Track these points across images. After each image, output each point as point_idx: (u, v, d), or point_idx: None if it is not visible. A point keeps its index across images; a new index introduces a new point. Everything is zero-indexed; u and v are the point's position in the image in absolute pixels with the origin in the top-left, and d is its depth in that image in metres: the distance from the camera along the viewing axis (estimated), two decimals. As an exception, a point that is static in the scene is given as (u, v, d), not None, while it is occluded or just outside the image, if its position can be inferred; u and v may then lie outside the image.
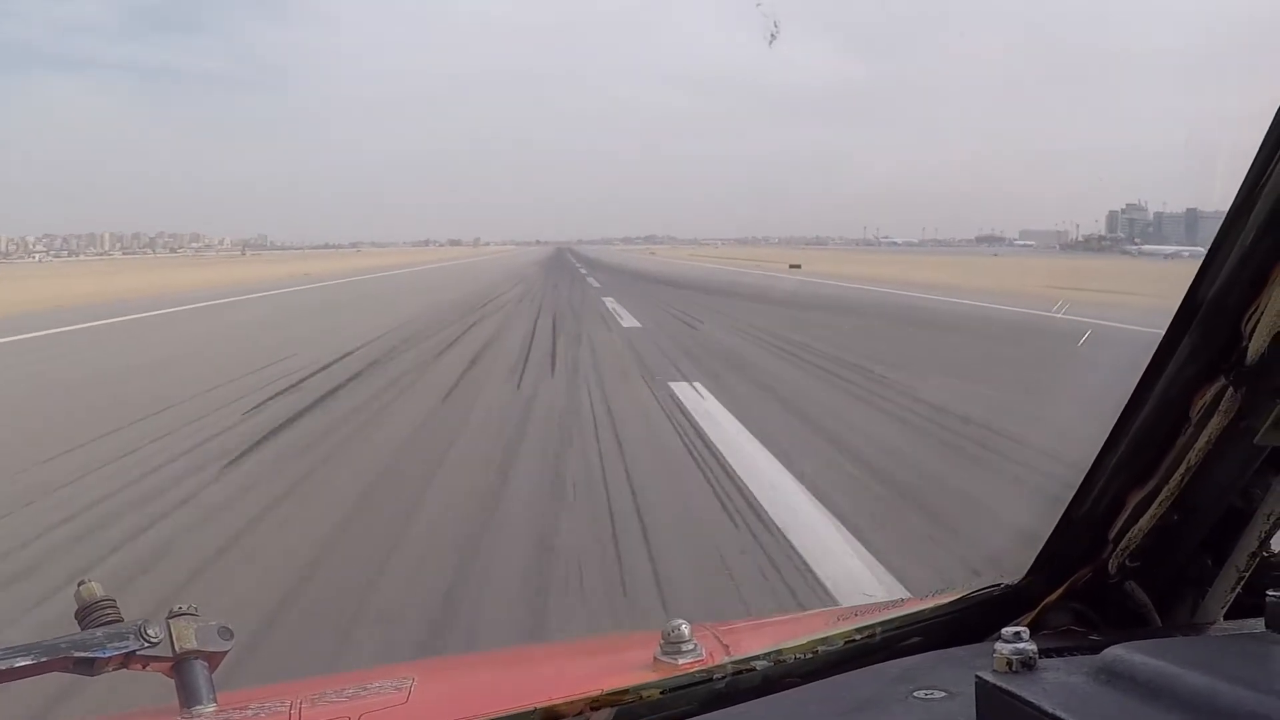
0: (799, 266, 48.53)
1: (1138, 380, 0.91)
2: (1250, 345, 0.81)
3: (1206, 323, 0.84)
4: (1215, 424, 0.86)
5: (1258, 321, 0.80)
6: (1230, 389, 0.84)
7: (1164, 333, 0.87)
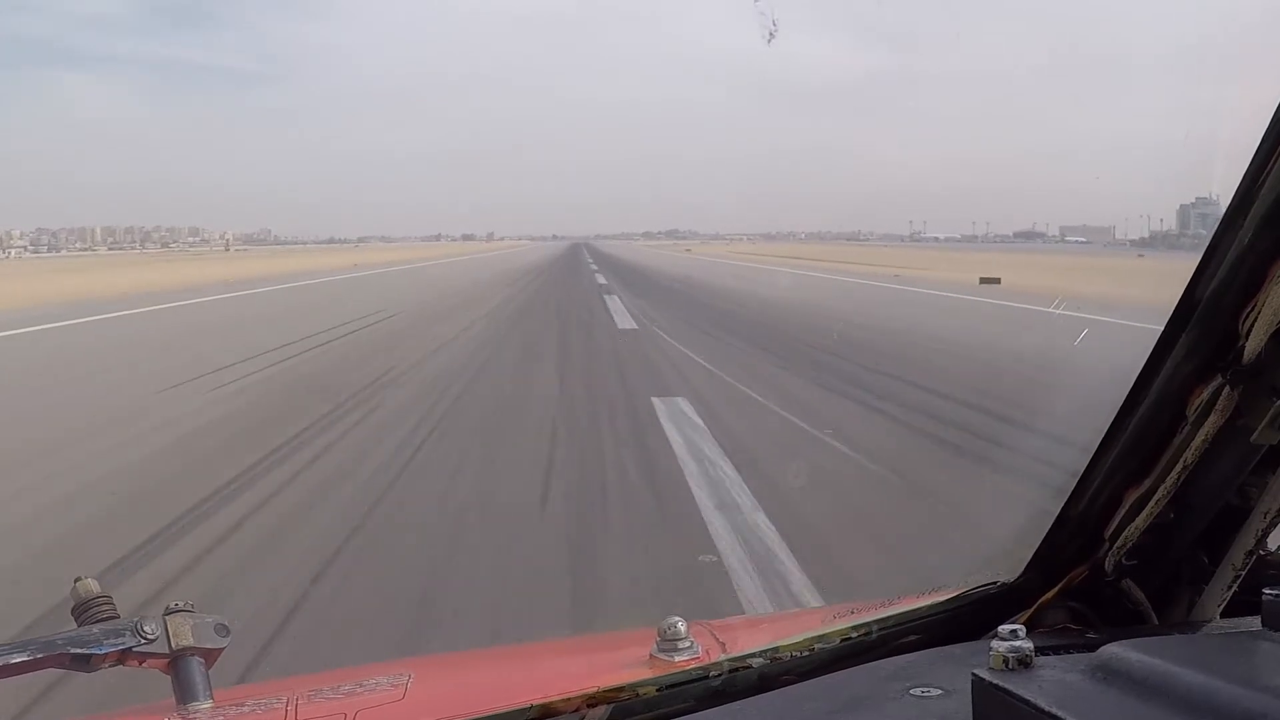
0: (997, 281, 26.91)
1: (1135, 379, 0.91)
2: (1247, 344, 0.81)
3: (1204, 321, 0.84)
4: (1212, 422, 0.86)
5: (1255, 320, 0.80)
6: (1227, 387, 0.84)
7: (1161, 331, 0.87)
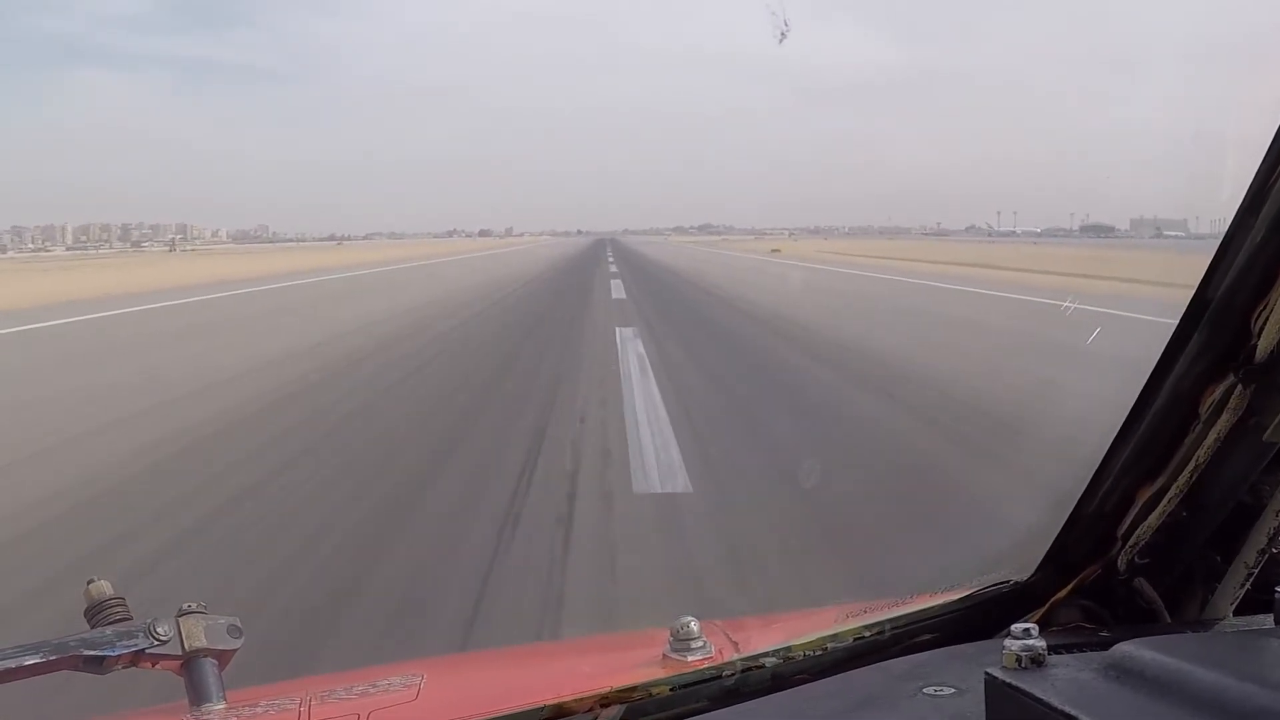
0: None
1: (1147, 377, 0.91)
2: (1260, 342, 0.81)
3: (1216, 319, 0.84)
4: (1224, 421, 0.86)
5: (1267, 318, 0.80)
6: (1240, 386, 0.84)
7: (1174, 329, 0.87)
